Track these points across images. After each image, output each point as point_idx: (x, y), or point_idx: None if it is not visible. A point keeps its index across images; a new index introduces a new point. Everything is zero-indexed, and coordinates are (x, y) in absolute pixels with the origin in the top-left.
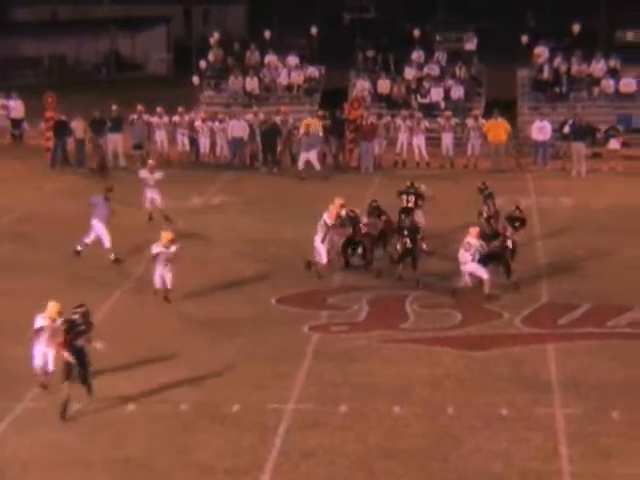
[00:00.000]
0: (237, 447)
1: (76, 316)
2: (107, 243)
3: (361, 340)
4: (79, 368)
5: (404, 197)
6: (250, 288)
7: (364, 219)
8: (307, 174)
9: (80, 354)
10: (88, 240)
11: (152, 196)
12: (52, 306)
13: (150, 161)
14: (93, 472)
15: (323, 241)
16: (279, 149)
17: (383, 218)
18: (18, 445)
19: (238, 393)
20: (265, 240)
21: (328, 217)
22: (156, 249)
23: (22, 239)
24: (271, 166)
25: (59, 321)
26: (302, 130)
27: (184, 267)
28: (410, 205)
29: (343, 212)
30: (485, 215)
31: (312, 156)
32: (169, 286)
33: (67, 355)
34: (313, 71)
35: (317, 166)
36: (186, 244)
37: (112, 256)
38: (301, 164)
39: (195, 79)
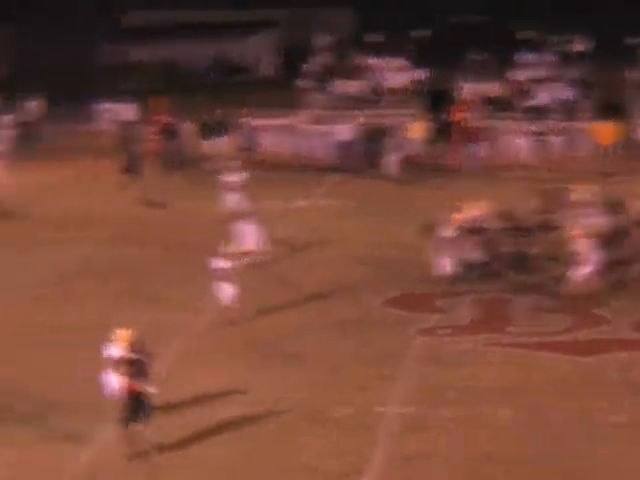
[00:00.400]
0: (339, 449)
1: (138, 356)
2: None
3: (466, 343)
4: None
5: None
6: (356, 290)
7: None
8: (413, 177)
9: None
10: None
11: (234, 199)
12: (123, 334)
13: (235, 162)
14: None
15: (444, 251)
16: (384, 152)
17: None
18: None
19: (342, 395)
20: (371, 243)
21: (454, 222)
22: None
23: (130, 241)
24: (376, 169)
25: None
26: (408, 133)
27: (293, 269)
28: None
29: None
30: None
31: (394, 159)
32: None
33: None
34: (419, 74)
35: (394, 170)
36: (290, 247)
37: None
38: (392, 167)
39: (302, 82)
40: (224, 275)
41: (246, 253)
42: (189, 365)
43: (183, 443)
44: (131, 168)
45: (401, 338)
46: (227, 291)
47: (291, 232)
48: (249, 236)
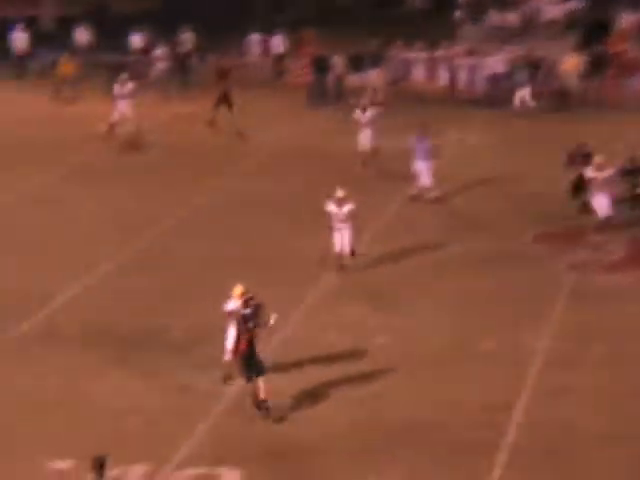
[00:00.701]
0: (488, 383)
1: (247, 311)
2: (427, 181)
3: (618, 280)
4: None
5: None
6: (506, 225)
7: None
8: (565, 111)
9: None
10: (422, 184)
11: (366, 136)
12: (236, 289)
13: (375, 97)
14: (343, 404)
15: (599, 190)
16: (535, 85)
17: None
18: None
19: (492, 330)
20: (517, 177)
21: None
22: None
23: (278, 174)
24: (525, 102)
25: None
26: (562, 66)
27: (438, 204)
28: None
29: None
30: None
31: (543, 92)
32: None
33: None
34: (575, 4)
35: (541, 103)
36: (440, 183)
37: (433, 194)
38: (539, 100)
39: (456, 14)
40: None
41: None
42: (314, 313)
43: (309, 398)
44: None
45: (549, 274)
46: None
47: (437, 167)
48: (424, 175)
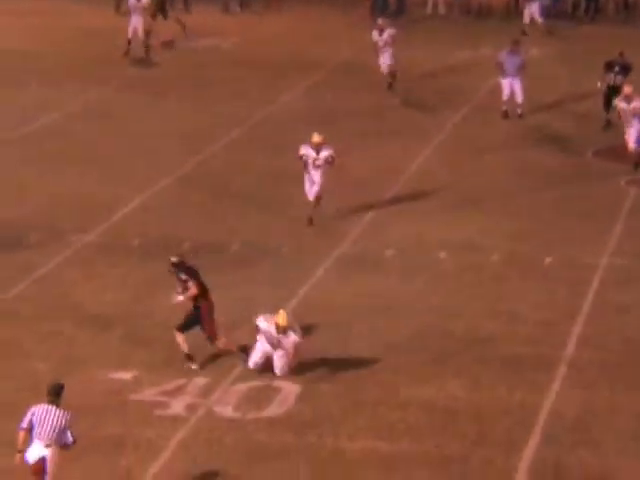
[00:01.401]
0: (548, 299)
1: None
2: (519, 97)
3: None
4: None
5: None
6: (564, 141)
7: None
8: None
9: None
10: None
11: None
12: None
13: (382, 20)
14: (404, 317)
15: None
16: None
17: None
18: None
19: (551, 246)
20: (577, 93)
21: None
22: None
23: (338, 89)
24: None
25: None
26: None
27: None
28: None
29: None
30: None
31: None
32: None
33: None
34: None
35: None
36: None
37: (519, 110)
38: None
39: None
40: None
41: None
42: (373, 228)
43: (370, 310)
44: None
45: (613, 189)
46: None
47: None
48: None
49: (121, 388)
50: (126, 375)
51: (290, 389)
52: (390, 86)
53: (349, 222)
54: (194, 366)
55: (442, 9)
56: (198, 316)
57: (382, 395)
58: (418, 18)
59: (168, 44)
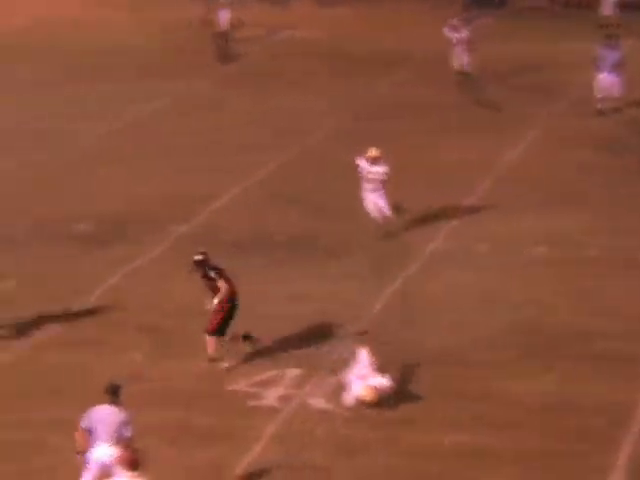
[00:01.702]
0: None
1: None
2: (617, 92)
3: None
4: None
5: None
6: None
7: None
8: None
9: None
10: (610, 94)
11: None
12: None
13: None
14: (497, 311)
15: None
16: None
17: None
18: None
19: None
20: None
21: None
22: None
23: (431, 81)
24: None
25: None
26: None
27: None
28: None
29: None
30: None
31: None
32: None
33: None
34: None
35: None
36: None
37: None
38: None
39: None
40: None
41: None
42: (467, 225)
43: (465, 303)
44: None
45: None
46: None
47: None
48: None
49: (216, 378)
50: (220, 365)
51: (380, 382)
52: (460, 84)
53: (442, 216)
54: (226, 364)
55: (544, 1)
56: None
57: (471, 389)
58: (520, 10)
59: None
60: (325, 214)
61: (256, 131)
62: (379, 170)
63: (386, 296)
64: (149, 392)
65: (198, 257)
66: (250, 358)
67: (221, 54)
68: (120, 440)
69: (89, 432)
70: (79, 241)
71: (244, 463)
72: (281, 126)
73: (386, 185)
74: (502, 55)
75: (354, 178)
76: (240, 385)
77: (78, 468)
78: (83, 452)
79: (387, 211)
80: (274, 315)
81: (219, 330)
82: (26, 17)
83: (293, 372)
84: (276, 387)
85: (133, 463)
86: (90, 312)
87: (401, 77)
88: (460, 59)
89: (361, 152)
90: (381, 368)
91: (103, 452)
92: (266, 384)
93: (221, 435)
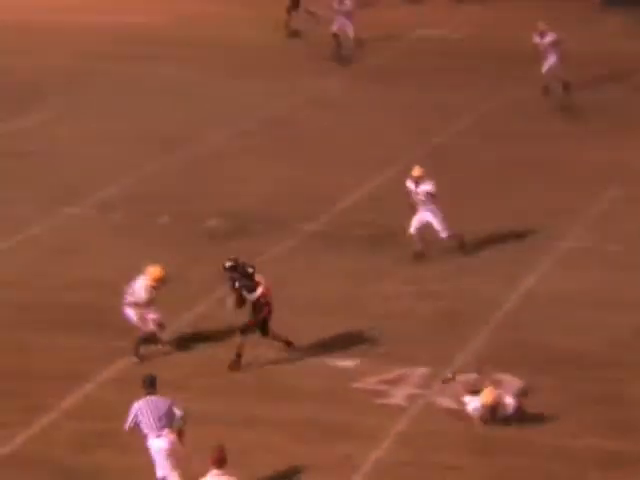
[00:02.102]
0: None
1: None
2: None
3: None
4: None
5: None
6: None
7: None
8: None
9: None
10: None
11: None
12: None
13: (543, 24)
14: (630, 312)
15: None
16: None
17: None
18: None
19: None
20: None
21: None
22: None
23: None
24: None
25: None
26: None
27: None
28: None
29: None
30: None
31: None
32: None
33: None
34: None
35: None
36: None
37: None
38: None
39: None
40: None
41: None
42: (596, 224)
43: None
44: None
45: None
46: None
47: None
48: None
49: (343, 376)
50: (349, 363)
51: (511, 383)
52: (545, 91)
53: (576, 214)
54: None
55: None
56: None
57: (605, 391)
58: None
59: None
60: (458, 211)
61: (390, 128)
62: (424, 188)
63: (518, 295)
64: (279, 388)
65: (229, 263)
66: (378, 355)
67: (337, 55)
68: (171, 428)
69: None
70: (209, 237)
71: (372, 460)
72: (418, 123)
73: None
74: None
75: (492, 176)
76: (367, 383)
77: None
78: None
79: (447, 234)
80: (403, 313)
81: (248, 330)
82: (164, 14)
83: (421, 371)
84: (404, 385)
85: (220, 460)
86: (215, 310)
87: (536, 75)
88: (547, 66)
89: (500, 149)
90: (515, 370)
91: (156, 444)
92: (394, 382)
93: (349, 432)
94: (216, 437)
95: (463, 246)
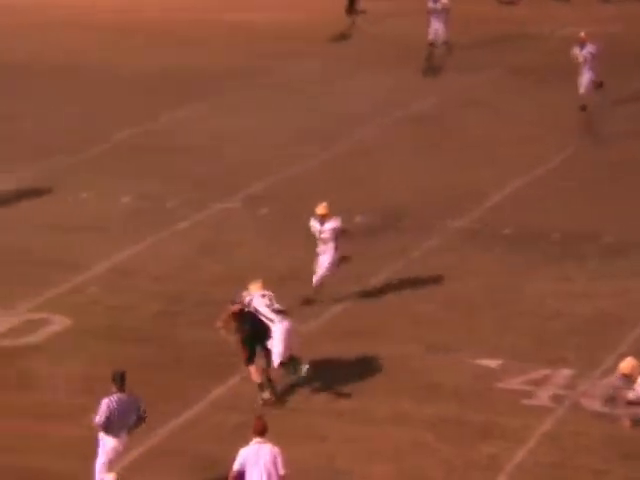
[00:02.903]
0: None
1: None
2: None
3: None
4: None
5: None
6: None
7: None
8: None
9: None
10: None
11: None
12: None
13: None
14: None
15: None
16: None
17: None
18: None
19: None
20: None
21: None
22: None
23: None
24: None
25: None
26: None
27: None
28: None
29: None
30: None
31: None
32: None
33: None
34: None
35: None
36: None
37: None
38: None
39: None
40: None
41: None
42: None
43: None
44: None
45: None
46: None
47: None
48: None
49: (488, 375)
50: (493, 362)
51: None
52: (583, 108)
53: None
54: (265, 395)
55: None
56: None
57: None
58: None
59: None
60: (601, 211)
61: (538, 127)
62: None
63: None
64: (424, 386)
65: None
66: (523, 355)
67: (427, 65)
68: (130, 426)
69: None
70: (358, 232)
71: (516, 461)
72: (561, 123)
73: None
74: None
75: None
76: (512, 383)
77: None
78: None
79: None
80: (551, 312)
81: (250, 359)
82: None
83: (566, 372)
84: (549, 386)
85: (262, 429)
86: (367, 301)
87: None
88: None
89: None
90: None
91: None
92: (538, 383)
93: (494, 432)
94: (366, 434)
95: None
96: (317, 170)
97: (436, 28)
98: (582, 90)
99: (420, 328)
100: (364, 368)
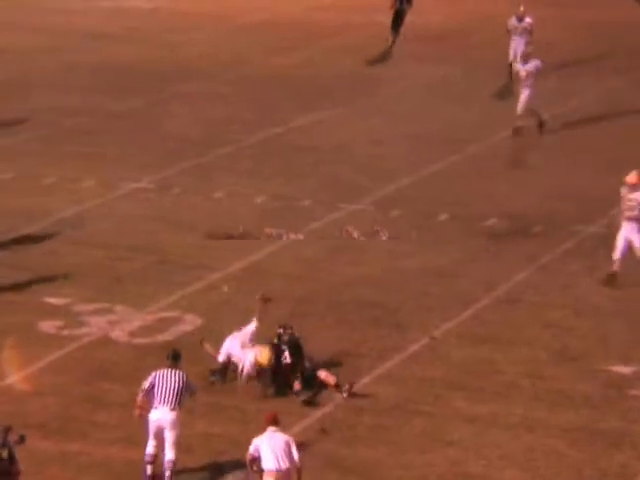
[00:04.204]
0: None
1: None
2: None
3: None
4: None
5: None
6: None
7: None
8: None
9: None
10: None
11: None
12: None
13: None
14: None
15: None
16: None
17: None
18: None
19: None
20: None
21: None
22: None
23: None
24: None
25: None
26: None
27: None
28: None
29: None
30: None
31: None
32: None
33: None
34: None
35: None
36: None
37: None
38: None
39: None
40: None
41: None
42: None
43: None
44: None
45: None
46: None
47: None
48: None
49: (620, 382)
50: (626, 369)
51: None
52: None
53: None
54: None
55: None
56: None
57: None
58: None
59: None
60: None
61: None
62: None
63: None
64: (555, 392)
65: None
66: None
67: (502, 88)
68: (183, 405)
69: (148, 393)
70: (488, 237)
71: None
72: None
73: None
74: None
75: None
76: None
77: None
78: (141, 409)
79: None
80: None
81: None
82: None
83: None
84: None
85: (275, 419)
86: (497, 307)
87: None
88: None
89: None
90: None
91: (158, 414)
92: None
93: (626, 440)
94: (497, 440)
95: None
96: (448, 174)
97: (515, 48)
98: None
99: (550, 334)
100: (493, 374)
